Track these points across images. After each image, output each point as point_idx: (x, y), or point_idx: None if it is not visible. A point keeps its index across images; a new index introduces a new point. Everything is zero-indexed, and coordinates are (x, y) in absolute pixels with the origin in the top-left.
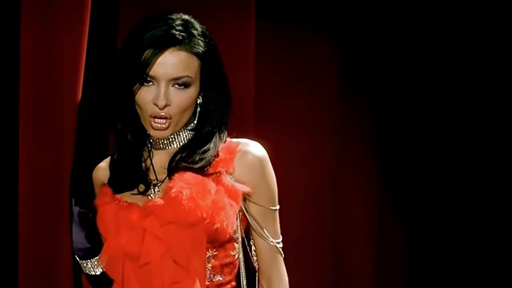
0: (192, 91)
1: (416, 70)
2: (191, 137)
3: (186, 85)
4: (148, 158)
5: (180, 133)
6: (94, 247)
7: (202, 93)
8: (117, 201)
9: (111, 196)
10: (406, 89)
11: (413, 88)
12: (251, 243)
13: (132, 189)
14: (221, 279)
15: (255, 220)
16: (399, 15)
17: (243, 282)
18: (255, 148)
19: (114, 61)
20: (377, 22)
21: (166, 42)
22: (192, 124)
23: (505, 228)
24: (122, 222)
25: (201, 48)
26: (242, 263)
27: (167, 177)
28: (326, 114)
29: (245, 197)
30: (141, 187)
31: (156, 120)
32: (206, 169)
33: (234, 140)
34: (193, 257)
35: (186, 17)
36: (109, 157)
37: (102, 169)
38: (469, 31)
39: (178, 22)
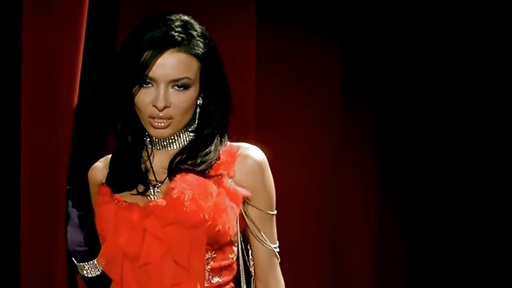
0: (192, 92)
1: (416, 70)
2: (191, 139)
3: (185, 87)
4: (148, 159)
5: (181, 134)
6: (92, 249)
7: (202, 95)
8: (116, 201)
9: (110, 195)
10: (406, 89)
11: (413, 89)
12: (248, 247)
13: (131, 189)
14: (219, 280)
15: (254, 224)
16: (400, 16)
17: (244, 285)
18: (255, 153)
19: (114, 63)
20: (378, 22)
21: (166, 43)
22: (192, 126)
23: (505, 228)
24: (122, 222)
25: (200, 49)
26: (242, 266)
27: (167, 178)
28: (326, 114)
29: (245, 201)
30: (140, 188)
31: (156, 119)
32: (207, 171)
33: (235, 144)
34: (193, 258)
35: (185, 18)
36: (105, 157)
37: (98, 169)
38: (470, 31)
39: (177, 23)
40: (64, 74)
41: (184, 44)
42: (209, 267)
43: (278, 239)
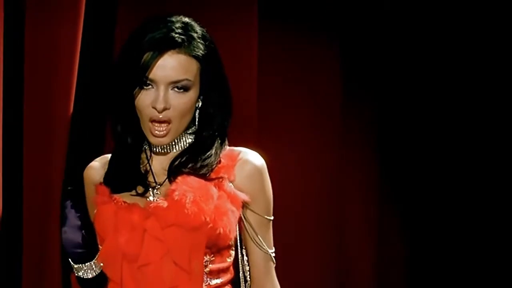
0: (192, 94)
1: (417, 70)
2: (191, 141)
3: (185, 89)
4: (147, 161)
5: (181, 138)
6: (89, 251)
7: (202, 97)
8: (115, 201)
9: (108, 195)
10: (407, 89)
11: (414, 89)
12: (243, 252)
13: (130, 190)
14: (218, 282)
15: (252, 228)
16: (400, 16)
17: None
18: (255, 158)
19: (114, 64)
20: (379, 22)
21: (166, 44)
22: (192, 129)
23: (505, 228)
24: (122, 222)
25: (200, 51)
26: (240, 270)
27: (166, 180)
28: (327, 114)
29: (243, 205)
30: (140, 189)
31: (156, 126)
32: (208, 174)
33: (236, 148)
34: (193, 260)
35: (186, 20)
36: (101, 157)
37: (94, 168)
38: (470, 31)
39: (178, 25)
40: (61, 74)
41: (185, 45)
42: (207, 269)
43: (278, 239)
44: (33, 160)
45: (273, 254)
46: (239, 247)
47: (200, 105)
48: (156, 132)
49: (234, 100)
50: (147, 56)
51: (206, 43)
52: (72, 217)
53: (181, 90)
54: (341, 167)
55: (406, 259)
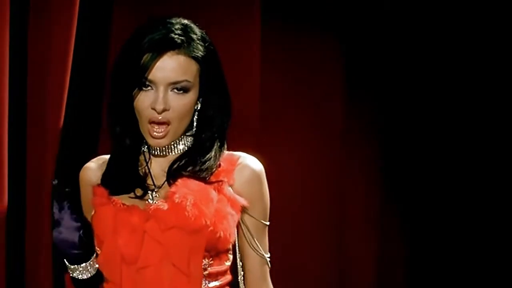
0: (191, 96)
1: (419, 71)
2: (191, 143)
3: (185, 90)
4: (146, 163)
5: (180, 140)
6: (85, 251)
7: (201, 99)
8: (113, 203)
9: (107, 197)
10: (409, 90)
11: (416, 89)
12: (238, 257)
13: (128, 192)
14: (217, 284)
15: (249, 232)
16: (402, 16)
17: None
18: (254, 163)
19: (114, 65)
20: (381, 23)
21: (165, 46)
22: (192, 131)
23: (505, 228)
24: (121, 224)
25: (200, 52)
26: (240, 270)
27: (165, 183)
28: (329, 114)
29: (242, 209)
30: (138, 191)
31: (155, 128)
32: (207, 177)
33: (235, 153)
34: (192, 263)
35: (185, 21)
36: (97, 158)
37: (90, 169)
38: (471, 31)
39: (177, 26)
40: (55, 74)
41: (184, 46)
42: (206, 272)
43: (279, 239)
44: (33, 160)
45: (269, 259)
46: (237, 252)
47: (199, 107)
48: (155, 133)
49: (236, 100)
50: (146, 57)
51: (206, 45)
52: (68, 218)
53: (181, 92)
54: (342, 167)
55: (407, 259)
